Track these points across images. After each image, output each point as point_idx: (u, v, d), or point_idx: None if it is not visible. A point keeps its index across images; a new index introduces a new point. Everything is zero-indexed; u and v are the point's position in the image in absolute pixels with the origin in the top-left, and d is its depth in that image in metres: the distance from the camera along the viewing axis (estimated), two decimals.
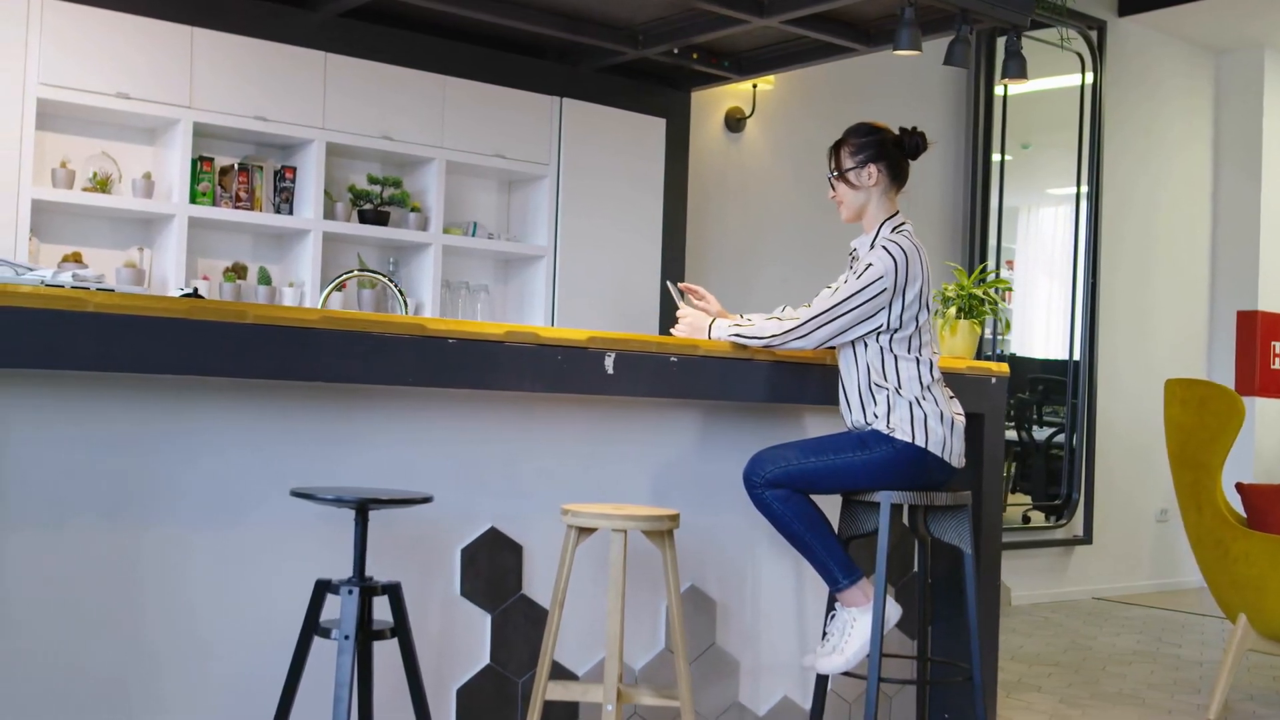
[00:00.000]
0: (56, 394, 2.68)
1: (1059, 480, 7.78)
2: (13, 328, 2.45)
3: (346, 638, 2.59)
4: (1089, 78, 7.76)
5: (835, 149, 3.53)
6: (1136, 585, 8.15)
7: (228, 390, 2.88)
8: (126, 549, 2.75)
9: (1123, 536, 8.08)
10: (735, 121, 6.36)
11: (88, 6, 4.44)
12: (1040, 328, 7.98)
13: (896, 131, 3.51)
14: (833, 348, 3.48)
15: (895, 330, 3.38)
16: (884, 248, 3.39)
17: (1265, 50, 8.48)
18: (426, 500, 2.74)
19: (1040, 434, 7.89)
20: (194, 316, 2.67)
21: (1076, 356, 7.78)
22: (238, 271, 4.94)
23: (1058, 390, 7.85)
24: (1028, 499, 7.70)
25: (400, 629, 2.72)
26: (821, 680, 3.61)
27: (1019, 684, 5.19)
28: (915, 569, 4.18)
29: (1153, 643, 6.32)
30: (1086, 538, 7.78)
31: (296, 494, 2.66)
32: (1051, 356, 7.95)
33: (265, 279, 4.96)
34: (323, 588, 2.69)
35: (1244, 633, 4.72)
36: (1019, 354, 7.93)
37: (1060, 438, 7.82)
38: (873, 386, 3.40)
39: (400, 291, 3.87)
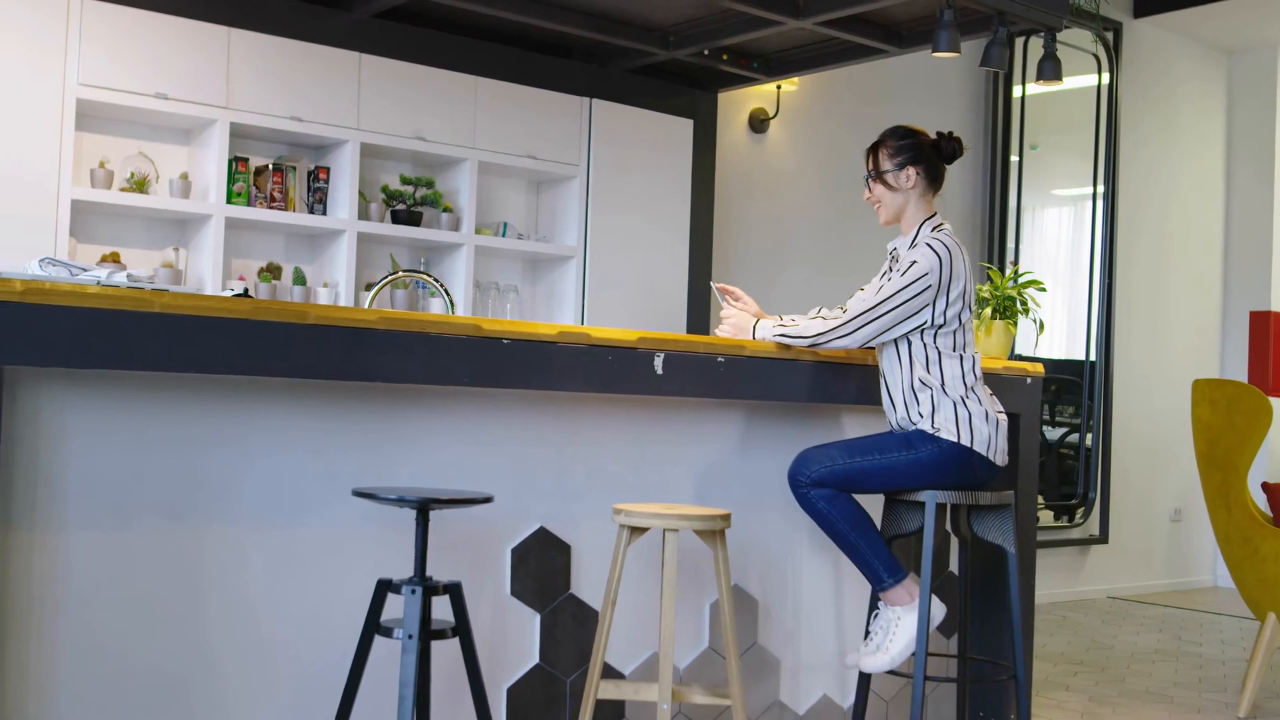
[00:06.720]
0: (118, 395, 2.69)
1: (1070, 480, 7.80)
2: (79, 328, 2.46)
3: (410, 637, 2.61)
4: (1104, 78, 7.78)
5: (873, 151, 3.55)
6: (1152, 584, 8.18)
7: (285, 390, 2.90)
8: (188, 549, 2.77)
9: (1138, 536, 8.11)
10: (759, 122, 6.39)
11: (127, 8, 4.46)
12: (1046, 327, 7.98)
13: (933, 136, 3.54)
14: (873, 347, 3.50)
15: (940, 327, 3.41)
16: (928, 245, 3.42)
17: (1279, 51, 8.50)
18: (487, 500, 2.76)
19: (1052, 434, 7.90)
20: (257, 317, 2.68)
21: (1093, 356, 7.79)
22: (273, 271, 4.96)
23: (1069, 390, 7.86)
24: (1039, 498, 7.70)
25: (461, 628, 2.74)
26: (864, 679, 3.63)
27: (1047, 682, 5.21)
28: (950, 568, 4.21)
29: (1173, 641, 6.34)
30: (1103, 537, 7.81)
31: (359, 494, 2.68)
32: (1058, 356, 7.96)
33: (300, 279, 4.98)
34: (384, 587, 2.71)
35: (1273, 631, 4.74)
36: (1027, 354, 7.94)
37: (1072, 438, 7.84)
38: (916, 385, 3.43)
39: (447, 293, 3.89)
